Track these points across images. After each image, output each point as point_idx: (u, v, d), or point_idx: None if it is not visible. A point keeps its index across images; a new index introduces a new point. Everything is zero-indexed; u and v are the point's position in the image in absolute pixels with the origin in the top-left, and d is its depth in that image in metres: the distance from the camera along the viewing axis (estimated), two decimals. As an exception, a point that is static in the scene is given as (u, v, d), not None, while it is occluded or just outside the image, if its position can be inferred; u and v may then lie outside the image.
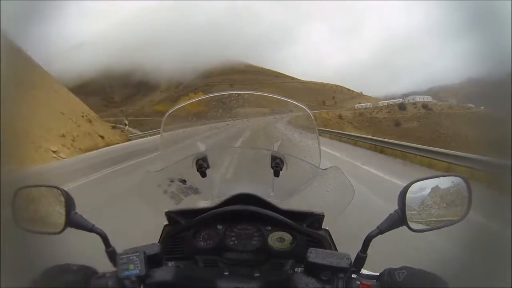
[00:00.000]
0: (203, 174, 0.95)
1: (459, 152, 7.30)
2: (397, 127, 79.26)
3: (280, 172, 0.94)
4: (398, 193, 0.76)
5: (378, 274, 0.73)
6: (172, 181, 0.98)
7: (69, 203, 0.80)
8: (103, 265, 0.77)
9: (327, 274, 0.71)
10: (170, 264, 0.89)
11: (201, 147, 0.99)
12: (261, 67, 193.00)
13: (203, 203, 1.02)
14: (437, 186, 0.78)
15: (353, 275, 0.74)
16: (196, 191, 1.01)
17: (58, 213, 0.80)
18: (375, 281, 0.71)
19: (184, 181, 0.98)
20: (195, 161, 0.95)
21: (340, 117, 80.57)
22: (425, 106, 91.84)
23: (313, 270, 0.72)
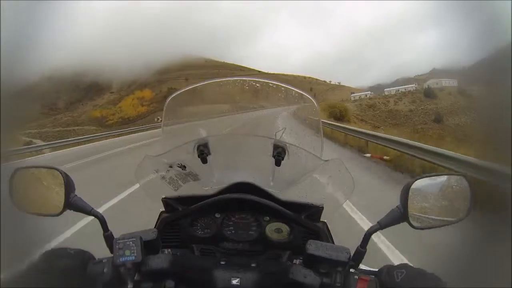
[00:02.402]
0: (204, 160, 0.94)
1: None
2: (439, 124, 54.95)
3: (282, 161, 0.93)
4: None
5: (376, 270, 0.73)
6: (171, 166, 0.96)
7: (69, 185, 0.79)
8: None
9: (325, 267, 0.71)
10: (166, 251, 0.89)
11: (203, 133, 0.97)
12: (223, 62, 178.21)
13: (201, 191, 1.01)
14: (440, 184, 0.78)
15: (352, 270, 0.74)
16: (195, 177, 1.00)
17: (57, 195, 0.79)
18: (373, 277, 0.71)
19: (184, 167, 0.97)
20: (196, 146, 0.94)
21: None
22: (461, 92, 52.62)
23: (312, 262, 0.72)
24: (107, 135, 22.51)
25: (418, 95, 67.65)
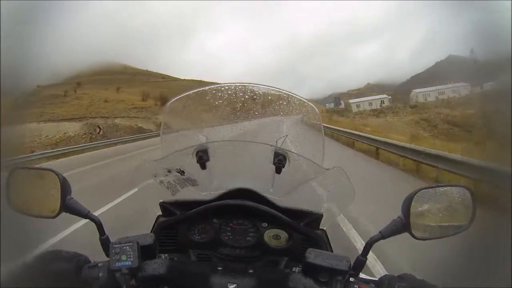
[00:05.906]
0: (203, 166, 0.93)
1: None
2: None
3: (282, 169, 0.92)
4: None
5: (377, 279, 0.72)
6: (169, 171, 0.95)
7: (65, 188, 0.78)
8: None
9: (325, 276, 0.70)
10: (163, 256, 0.88)
11: (202, 139, 0.97)
12: (146, 70, 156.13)
13: (199, 196, 1.00)
14: (442, 195, 0.77)
15: (352, 279, 0.73)
16: (194, 182, 0.99)
17: (54, 197, 0.78)
18: (373, 286, 0.70)
19: (182, 172, 0.96)
20: (195, 152, 0.93)
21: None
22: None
23: (311, 271, 0.71)
24: None
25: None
